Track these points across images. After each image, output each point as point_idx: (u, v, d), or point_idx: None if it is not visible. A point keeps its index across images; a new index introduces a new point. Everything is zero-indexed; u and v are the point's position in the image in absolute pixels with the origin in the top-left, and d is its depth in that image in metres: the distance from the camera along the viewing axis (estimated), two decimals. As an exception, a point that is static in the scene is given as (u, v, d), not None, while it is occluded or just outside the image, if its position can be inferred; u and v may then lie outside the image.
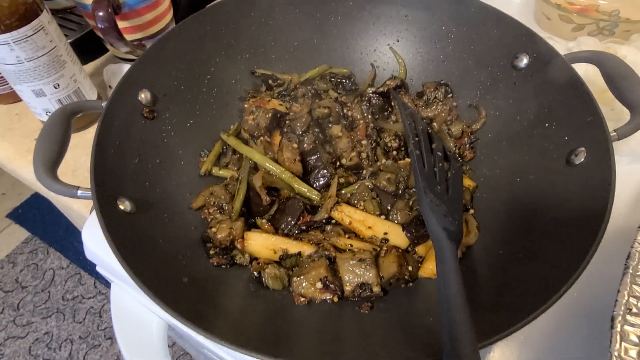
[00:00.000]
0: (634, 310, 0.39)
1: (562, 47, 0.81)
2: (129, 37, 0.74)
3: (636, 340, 0.38)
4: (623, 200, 0.64)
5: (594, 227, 0.43)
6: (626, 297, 0.40)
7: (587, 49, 0.77)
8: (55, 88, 0.66)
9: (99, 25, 0.65)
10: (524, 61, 0.61)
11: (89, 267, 2.12)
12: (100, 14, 0.64)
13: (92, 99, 0.73)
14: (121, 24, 0.72)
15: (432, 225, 0.45)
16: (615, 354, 0.37)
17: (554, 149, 0.55)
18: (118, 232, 0.44)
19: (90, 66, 0.85)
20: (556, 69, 0.57)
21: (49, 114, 0.67)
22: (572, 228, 0.46)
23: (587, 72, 0.69)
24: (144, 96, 0.59)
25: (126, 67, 0.78)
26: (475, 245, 0.55)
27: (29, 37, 0.59)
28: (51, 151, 0.51)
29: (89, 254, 0.64)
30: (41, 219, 2.32)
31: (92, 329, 1.95)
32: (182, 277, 0.46)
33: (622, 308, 0.39)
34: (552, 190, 0.52)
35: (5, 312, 2.02)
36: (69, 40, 0.79)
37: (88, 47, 0.83)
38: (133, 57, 0.82)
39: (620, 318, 0.39)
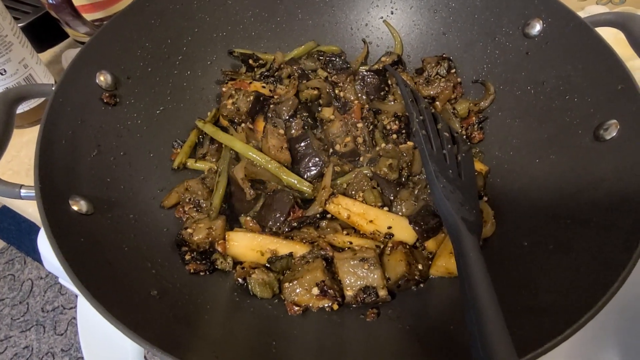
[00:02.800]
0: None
1: (569, 17, 0.74)
2: (88, 16, 0.66)
3: None
4: None
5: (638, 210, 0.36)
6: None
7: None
8: (2, 74, 0.57)
9: (50, 1, 0.56)
10: (536, 27, 0.55)
11: (69, 276, 2.02)
12: (51, -14, 0.56)
13: (48, 87, 0.64)
14: (79, 1, 0.63)
15: (449, 215, 0.38)
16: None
17: (578, 124, 0.48)
18: (68, 238, 0.36)
19: (49, 53, 0.76)
20: (575, 33, 0.51)
21: (-3, 106, 0.58)
22: (613, 212, 0.39)
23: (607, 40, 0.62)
24: (103, 79, 0.51)
25: (87, 51, 0.69)
26: (493, 237, 0.48)
27: (-37, 13, 0.50)
28: (-12, 144, 0.42)
29: (48, 265, 0.55)
30: (17, 228, 2.20)
31: (74, 341, 1.85)
32: (151, 290, 0.38)
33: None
34: (581, 170, 0.45)
35: (-18, 327, 1.91)
36: (20, 24, 0.71)
37: (44, 32, 0.74)
38: (96, 41, 0.73)
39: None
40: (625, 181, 0.40)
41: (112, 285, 0.35)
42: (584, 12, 0.73)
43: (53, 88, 0.47)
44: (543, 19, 0.54)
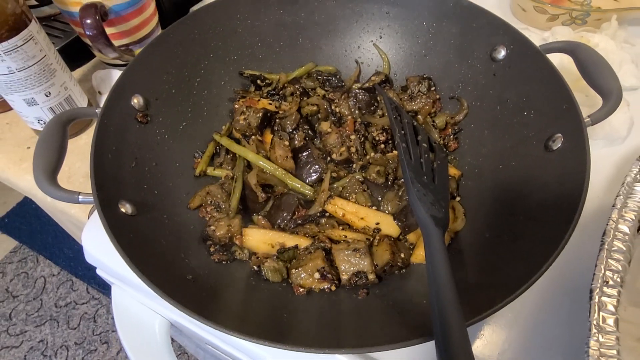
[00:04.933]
0: (610, 282, 0.43)
1: (537, 37, 0.84)
2: (115, 42, 0.75)
3: (612, 309, 0.41)
4: (599, 181, 0.67)
5: (571, 208, 0.46)
6: (602, 271, 0.43)
7: (561, 39, 0.81)
8: (47, 96, 0.67)
9: (87, 33, 0.66)
10: (502, 53, 0.64)
11: (81, 273, 2.11)
12: (88, 21, 0.65)
13: (83, 105, 0.74)
14: (108, 30, 0.73)
15: (420, 213, 0.48)
16: (594, 322, 0.40)
17: (533, 136, 0.58)
18: (122, 235, 0.46)
19: (78, 72, 0.85)
20: (532, 59, 0.60)
21: (42, 122, 0.68)
22: (552, 210, 0.49)
23: (563, 61, 0.72)
24: (136, 101, 0.60)
25: (114, 72, 0.79)
26: (463, 230, 0.58)
27: (19, 47, 0.60)
28: (50, 159, 0.52)
29: (89, 258, 0.65)
30: (28, 227, 2.29)
31: (87, 335, 1.95)
32: (187, 275, 0.48)
33: (600, 281, 0.42)
34: (533, 175, 0.55)
35: (-2, 322, 2.00)
36: (55, 48, 0.80)
37: (75, 54, 0.83)
38: (120, 63, 0.83)
39: (597, 290, 0.42)
40: (562, 185, 0.50)
41: (158, 271, 0.45)
42: (551, 32, 0.83)
43: (97, 111, 0.57)
44: (507, 46, 0.64)
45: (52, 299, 2.07)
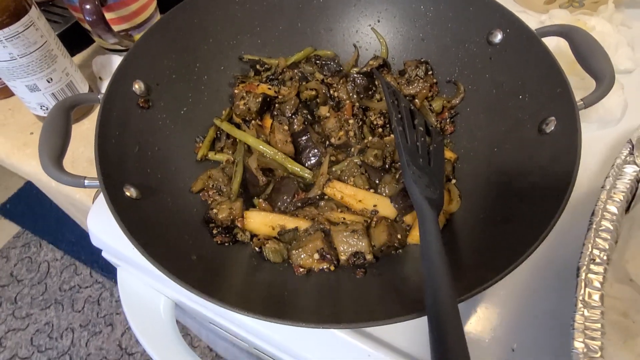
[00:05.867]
0: (597, 260, 0.44)
1: (535, 20, 0.85)
2: (115, 28, 0.75)
3: (598, 285, 0.43)
4: (593, 163, 0.69)
5: (562, 189, 0.47)
6: (590, 249, 0.45)
7: (558, 22, 0.81)
8: (49, 82, 0.67)
9: (87, 19, 0.67)
10: (498, 37, 0.65)
11: (84, 258, 2.14)
12: (88, 7, 0.66)
13: (84, 91, 0.75)
14: (107, 16, 0.73)
15: (415, 195, 0.49)
16: (580, 298, 0.42)
17: (527, 119, 0.59)
18: (128, 217, 0.48)
19: (78, 58, 0.86)
20: (528, 43, 0.61)
21: (44, 108, 0.69)
22: (544, 191, 0.50)
23: (559, 45, 0.73)
24: (137, 87, 0.61)
25: (114, 58, 0.79)
26: (458, 212, 0.59)
27: (20, 33, 0.60)
28: (55, 144, 0.53)
29: (95, 240, 0.67)
30: (30, 212, 2.31)
31: (91, 317, 1.99)
32: (191, 255, 0.50)
33: (587, 259, 0.44)
34: (526, 157, 0.57)
35: (3, 305, 2.04)
36: (55, 34, 0.80)
37: (74, 39, 0.83)
38: (120, 48, 0.83)
39: (584, 268, 0.44)
40: (556, 167, 0.51)
41: (163, 251, 0.47)
42: (549, 15, 0.83)
43: (99, 97, 0.58)
44: (503, 30, 0.64)
45: (56, 283, 2.10)
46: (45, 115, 0.72)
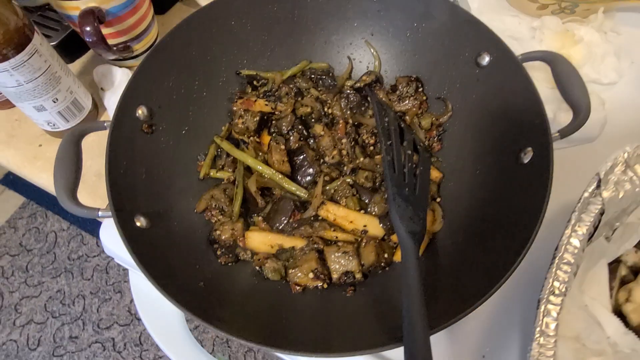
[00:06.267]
0: (556, 292, 0.50)
1: (526, 26, 0.87)
2: (113, 41, 0.77)
3: (555, 315, 0.49)
4: (567, 177, 0.72)
5: (529, 227, 0.52)
6: (551, 283, 0.51)
7: (550, 30, 0.83)
8: (54, 102, 0.70)
9: (87, 39, 0.68)
10: (486, 59, 0.67)
11: (90, 228, 2.22)
12: (88, 29, 0.67)
13: (88, 105, 0.77)
14: (105, 31, 0.75)
15: (399, 231, 0.55)
16: (538, 328, 0.48)
17: (507, 146, 0.63)
18: (142, 251, 0.53)
19: (78, 64, 0.88)
20: (512, 70, 0.63)
21: (51, 124, 0.73)
22: (514, 224, 0.55)
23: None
24: (141, 112, 0.64)
25: (115, 69, 0.81)
26: (441, 232, 0.65)
27: (25, 61, 0.63)
28: (69, 178, 0.57)
29: (108, 251, 0.73)
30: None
31: (101, 285, 2.10)
32: (198, 282, 0.56)
33: (547, 291, 0.50)
34: (502, 185, 0.61)
35: (15, 274, 2.14)
36: (52, 43, 0.82)
37: (73, 47, 0.85)
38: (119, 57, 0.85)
39: (544, 300, 0.50)
40: (527, 201, 0.56)
41: (174, 281, 0.53)
42: (541, 21, 0.85)
43: (105, 125, 0.61)
44: (490, 54, 0.67)
45: (64, 253, 2.19)
46: (53, 130, 0.76)
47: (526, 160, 0.59)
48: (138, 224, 0.57)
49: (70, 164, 0.58)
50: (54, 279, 2.13)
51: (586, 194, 0.56)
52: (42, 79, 0.66)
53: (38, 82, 0.66)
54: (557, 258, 0.51)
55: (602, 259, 0.52)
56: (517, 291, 0.63)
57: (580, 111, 0.60)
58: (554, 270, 0.51)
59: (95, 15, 0.67)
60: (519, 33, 0.85)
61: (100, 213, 0.57)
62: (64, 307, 2.07)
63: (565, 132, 0.60)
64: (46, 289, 2.12)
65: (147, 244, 0.55)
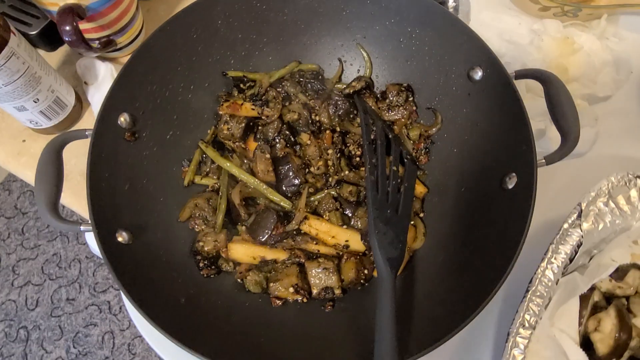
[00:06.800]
0: (526, 324, 0.52)
1: (526, 28, 0.84)
2: (96, 35, 0.74)
3: (522, 348, 0.51)
4: (553, 193, 0.73)
5: (508, 255, 0.53)
6: (522, 316, 0.52)
7: (550, 34, 0.80)
8: (35, 102, 0.69)
9: (66, 39, 0.66)
10: (478, 74, 0.65)
11: (84, 194, 2.23)
12: (67, 28, 0.65)
13: (71, 101, 0.76)
14: (88, 25, 0.72)
15: (377, 257, 0.55)
16: (506, 358, 0.50)
17: (492, 168, 0.62)
18: (123, 270, 0.54)
19: (60, 53, 0.85)
20: (503, 90, 0.61)
21: (33, 122, 0.71)
22: (496, 249, 0.56)
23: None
24: (123, 119, 0.63)
25: (98, 63, 0.79)
26: (421, 249, 0.66)
27: (2, 65, 0.61)
28: (50, 192, 0.57)
29: (95, 251, 0.74)
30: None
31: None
32: (180, 299, 0.57)
33: (517, 324, 0.52)
34: (486, 208, 0.61)
35: (12, 236, 2.17)
36: (33, 32, 0.79)
37: (54, 36, 0.81)
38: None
39: (514, 333, 0.52)
40: (509, 227, 0.56)
41: (154, 298, 0.54)
42: (542, 24, 0.82)
43: (87, 133, 0.60)
44: (483, 69, 0.65)
45: (59, 217, 2.21)
46: (36, 127, 0.75)
47: (510, 186, 0.59)
48: (120, 239, 0.57)
49: (50, 177, 0.57)
50: (49, 242, 2.17)
51: (566, 225, 0.56)
52: (21, 81, 0.64)
53: (17, 85, 0.64)
54: (530, 292, 0.53)
55: (575, 294, 0.53)
56: (493, 305, 0.65)
57: (569, 139, 0.59)
58: (526, 303, 0.52)
59: (74, 14, 0.65)
60: (518, 35, 0.82)
61: (82, 228, 0.57)
62: (61, 270, 2.12)
63: (551, 159, 0.59)
64: (42, 252, 2.15)
65: (129, 260, 0.56)
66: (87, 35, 0.73)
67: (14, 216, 2.23)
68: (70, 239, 2.17)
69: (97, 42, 0.75)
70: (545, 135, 0.73)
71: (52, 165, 0.58)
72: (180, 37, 0.68)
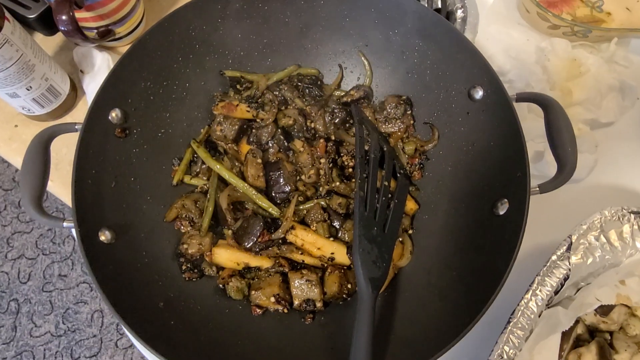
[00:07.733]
0: (505, 357, 0.52)
1: (534, 46, 0.82)
2: (94, 24, 0.73)
3: (499, 379, 0.51)
4: (545, 219, 0.71)
5: (492, 286, 0.52)
6: (501, 348, 0.52)
7: (558, 53, 0.78)
8: (28, 90, 0.68)
9: (61, 28, 0.65)
10: (479, 93, 0.64)
11: (82, 172, 2.23)
12: (63, 17, 0.63)
13: (65, 89, 0.74)
14: (86, 15, 0.70)
15: (359, 276, 0.55)
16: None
17: (485, 192, 0.61)
18: (101, 267, 0.53)
19: (58, 38, 0.83)
20: (503, 112, 0.60)
21: (26, 109, 0.71)
22: (477, 279, 0.55)
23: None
24: (114, 115, 0.62)
25: (94, 52, 0.77)
26: (407, 267, 0.65)
27: (-6, 52, 0.60)
28: (35, 185, 0.56)
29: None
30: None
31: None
32: (159, 302, 0.57)
33: (496, 356, 0.51)
34: (475, 233, 0.61)
35: (8, 209, 2.18)
36: (32, 16, 0.77)
37: (51, 21, 0.79)
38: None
39: (491, 365, 0.51)
40: (496, 256, 0.56)
41: (132, 302, 0.54)
42: (549, 43, 0.80)
43: (76, 127, 0.59)
44: (484, 89, 0.63)
45: (56, 193, 2.21)
46: (29, 114, 0.74)
47: (501, 212, 0.58)
48: (102, 238, 0.57)
49: (37, 170, 0.57)
50: (45, 218, 2.17)
51: (554, 257, 0.55)
52: (14, 68, 0.63)
53: (9, 72, 0.63)
54: (511, 324, 0.52)
55: (557, 331, 0.53)
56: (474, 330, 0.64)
57: (565, 169, 0.58)
58: (506, 335, 0.52)
59: (71, 4, 0.63)
60: (525, 53, 0.80)
61: (64, 224, 0.56)
62: (55, 246, 2.13)
63: (545, 188, 0.58)
64: (37, 226, 2.16)
65: (109, 260, 0.56)
66: (85, 24, 0.72)
67: (11, 189, 2.23)
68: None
69: (95, 31, 0.73)
70: (544, 159, 0.72)
71: (39, 159, 0.57)
72: (178, 34, 0.67)
